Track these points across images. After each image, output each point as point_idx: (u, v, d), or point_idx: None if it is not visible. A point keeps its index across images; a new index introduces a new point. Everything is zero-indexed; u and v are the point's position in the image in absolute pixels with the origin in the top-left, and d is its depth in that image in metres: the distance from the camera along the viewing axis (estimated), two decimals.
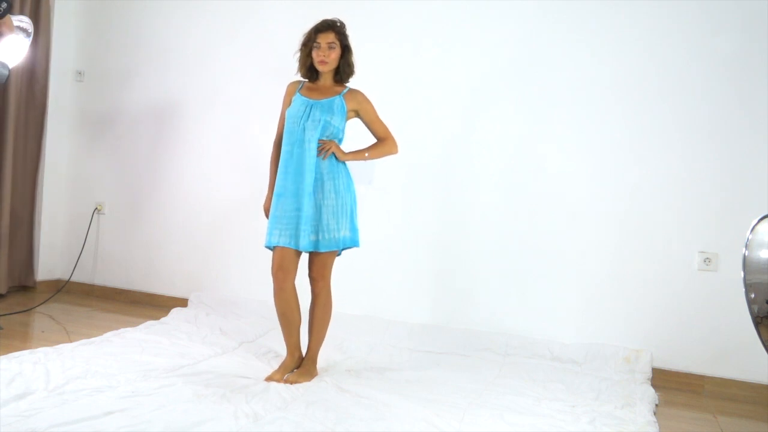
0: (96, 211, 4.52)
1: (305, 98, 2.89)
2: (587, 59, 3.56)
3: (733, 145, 3.33)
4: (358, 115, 2.97)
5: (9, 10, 1.75)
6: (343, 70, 2.92)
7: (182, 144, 4.34)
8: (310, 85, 2.96)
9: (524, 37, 3.67)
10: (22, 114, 4.24)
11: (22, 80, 4.20)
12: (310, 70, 2.94)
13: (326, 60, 2.86)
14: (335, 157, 2.86)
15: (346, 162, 2.92)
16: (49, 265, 4.54)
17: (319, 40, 2.86)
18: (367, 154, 2.95)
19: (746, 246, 2.38)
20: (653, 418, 2.67)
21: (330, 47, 2.85)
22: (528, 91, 3.66)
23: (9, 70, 1.82)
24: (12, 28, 2.39)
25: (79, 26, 4.61)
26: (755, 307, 2.34)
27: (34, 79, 4.27)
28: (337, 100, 2.88)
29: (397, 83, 3.84)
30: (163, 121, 4.39)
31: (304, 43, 2.92)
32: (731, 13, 3.34)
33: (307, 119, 2.84)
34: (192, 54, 4.33)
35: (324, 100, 2.87)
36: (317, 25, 2.89)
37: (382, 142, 2.99)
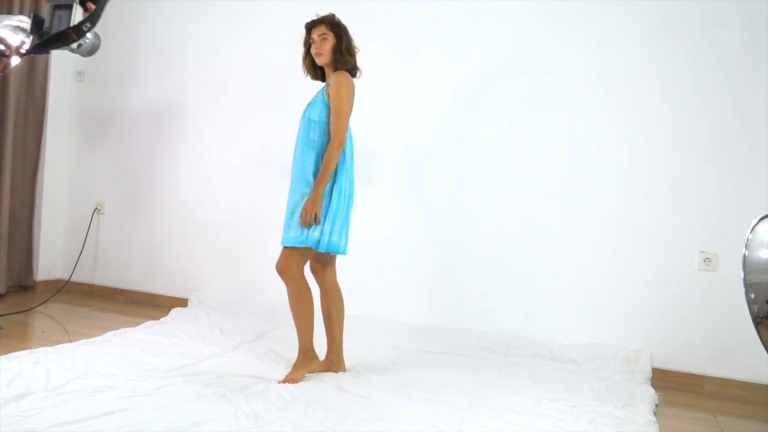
0: (96, 211, 4.52)
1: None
2: (587, 59, 3.56)
3: (733, 145, 3.33)
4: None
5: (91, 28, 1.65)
6: (337, 59, 2.87)
7: (182, 144, 4.34)
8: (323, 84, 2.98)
9: (524, 37, 3.67)
10: (21, 114, 4.24)
11: (21, 80, 4.20)
12: (314, 69, 2.97)
13: (320, 52, 2.86)
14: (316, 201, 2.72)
15: (352, 165, 2.89)
16: (48, 265, 4.53)
17: (312, 36, 2.88)
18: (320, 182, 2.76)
19: (746, 246, 2.38)
20: (653, 418, 2.67)
21: (323, 39, 2.85)
22: (528, 91, 3.66)
23: (99, 39, 1.74)
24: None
25: None
26: (755, 307, 2.34)
27: (33, 79, 4.27)
28: (321, 93, 2.88)
29: (397, 83, 3.84)
30: (163, 121, 4.39)
31: (304, 45, 2.95)
32: (731, 13, 3.33)
33: (303, 118, 2.89)
34: (192, 54, 4.33)
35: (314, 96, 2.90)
36: (307, 24, 2.92)
37: (326, 153, 2.76)
